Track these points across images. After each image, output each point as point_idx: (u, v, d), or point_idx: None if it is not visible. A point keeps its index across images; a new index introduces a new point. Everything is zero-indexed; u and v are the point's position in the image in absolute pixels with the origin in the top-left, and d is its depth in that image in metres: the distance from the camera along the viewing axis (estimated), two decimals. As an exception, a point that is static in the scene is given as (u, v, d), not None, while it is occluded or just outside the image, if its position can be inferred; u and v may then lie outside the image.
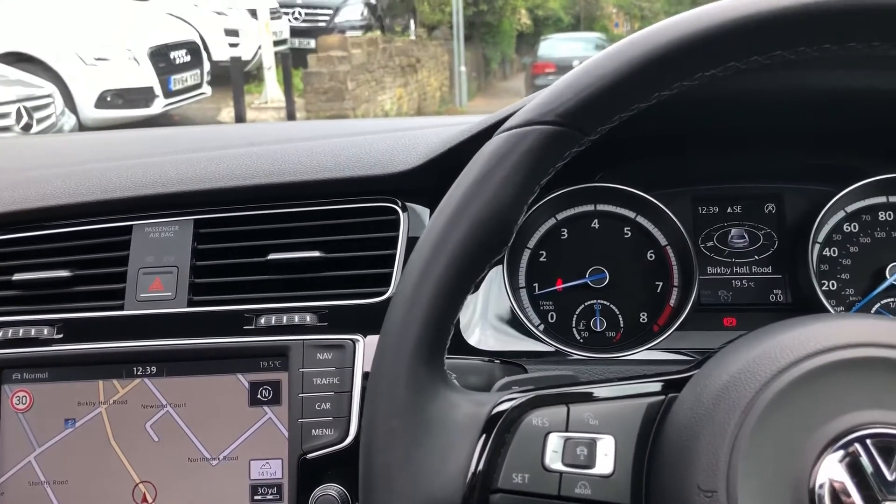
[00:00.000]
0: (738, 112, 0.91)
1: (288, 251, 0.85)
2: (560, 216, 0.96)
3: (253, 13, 9.28)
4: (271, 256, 0.85)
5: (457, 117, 1.47)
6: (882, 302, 0.94)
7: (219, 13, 9.41)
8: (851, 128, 0.95)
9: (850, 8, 0.52)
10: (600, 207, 0.96)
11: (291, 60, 9.95)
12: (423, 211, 0.89)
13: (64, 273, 0.86)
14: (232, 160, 0.92)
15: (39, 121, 4.99)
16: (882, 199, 0.95)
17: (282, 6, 10.85)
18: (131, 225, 0.88)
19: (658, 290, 0.94)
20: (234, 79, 6.83)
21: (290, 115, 8.03)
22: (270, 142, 1.01)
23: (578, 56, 15.22)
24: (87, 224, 0.90)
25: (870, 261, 0.95)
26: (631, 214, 0.96)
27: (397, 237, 0.86)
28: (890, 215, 0.95)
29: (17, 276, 0.86)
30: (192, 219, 0.88)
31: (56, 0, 7.12)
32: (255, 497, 0.78)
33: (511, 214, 0.57)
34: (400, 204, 0.88)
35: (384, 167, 0.88)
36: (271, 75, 9.06)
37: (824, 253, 0.96)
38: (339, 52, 9.43)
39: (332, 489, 0.75)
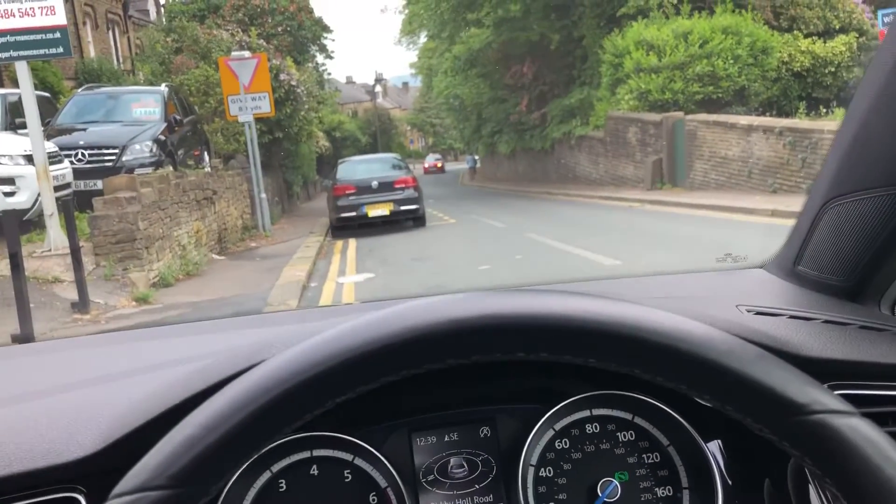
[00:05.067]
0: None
1: None
2: (275, 468, 0.90)
3: (30, 158, 8.83)
4: None
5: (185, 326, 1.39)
6: None
7: (-10, 161, 8.89)
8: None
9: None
10: (317, 453, 0.92)
11: (77, 204, 9.52)
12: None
13: None
14: None
15: None
16: (586, 413, 0.97)
17: (62, 148, 10.40)
18: None
19: None
20: (8, 231, 6.41)
21: (76, 262, 7.61)
22: None
23: (376, 176, 15.76)
24: None
25: (583, 477, 0.95)
26: (348, 457, 0.92)
27: None
28: (596, 427, 0.97)
29: None
30: None
31: None
32: None
33: None
34: (83, 491, 0.79)
35: (59, 454, 0.78)
36: (53, 222, 8.57)
37: (541, 474, 0.95)
38: (127, 192, 9.14)
39: None
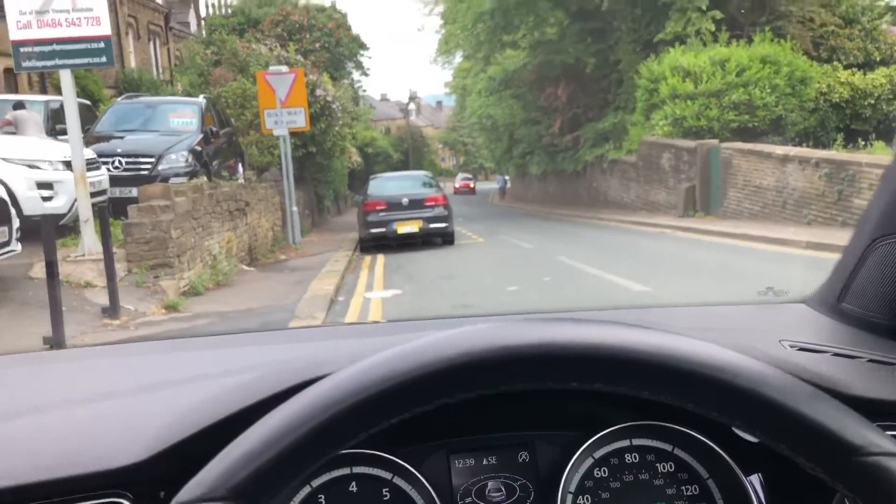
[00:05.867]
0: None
1: None
2: (315, 483, 0.91)
3: (68, 164, 9.01)
4: None
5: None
6: None
7: (31, 166, 9.06)
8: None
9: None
10: (357, 470, 0.93)
11: (112, 210, 9.66)
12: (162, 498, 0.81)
13: None
14: None
15: None
16: (626, 443, 0.98)
17: (100, 156, 10.59)
18: None
19: None
20: (46, 235, 6.52)
21: (109, 268, 7.71)
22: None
23: (407, 193, 15.83)
24: None
25: None
26: (387, 475, 0.93)
27: None
28: (635, 457, 0.98)
29: None
30: None
31: None
32: None
33: None
34: (130, 497, 0.80)
35: (108, 460, 0.79)
36: (89, 228, 8.71)
37: (579, 502, 0.95)
38: (161, 200, 9.27)
39: None
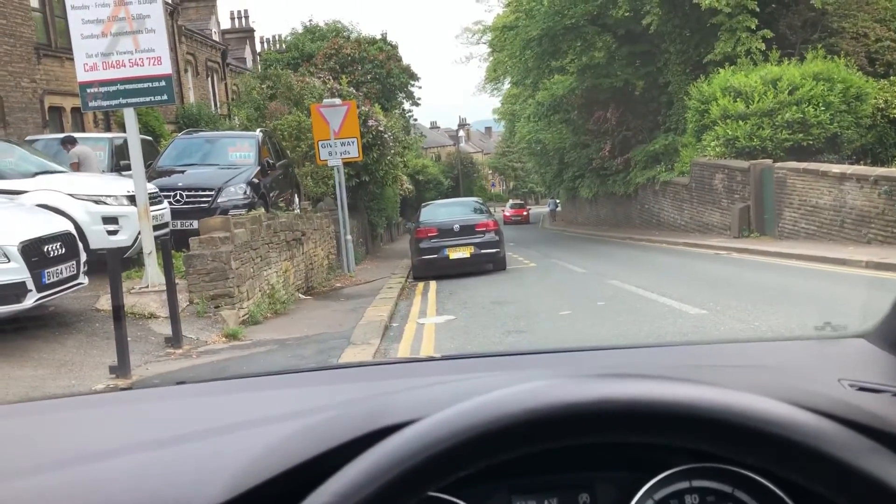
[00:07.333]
0: None
1: None
2: None
3: (132, 199, 9.32)
4: None
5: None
6: None
7: (96, 201, 9.41)
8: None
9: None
10: None
11: (173, 243, 9.96)
12: None
13: None
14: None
15: None
16: (686, 484, 0.98)
17: (162, 190, 10.94)
18: None
19: None
20: (112, 269, 6.77)
21: (172, 299, 7.96)
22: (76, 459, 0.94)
23: (458, 220, 15.96)
24: None
25: None
26: None
27: None
28: (696, 498, 0.98)
29: None
30: None
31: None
32: None
33: None
34: None
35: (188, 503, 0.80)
36: (152, 260, 8.99)
37: None
38: (221, 232, 9.53)
39: None
